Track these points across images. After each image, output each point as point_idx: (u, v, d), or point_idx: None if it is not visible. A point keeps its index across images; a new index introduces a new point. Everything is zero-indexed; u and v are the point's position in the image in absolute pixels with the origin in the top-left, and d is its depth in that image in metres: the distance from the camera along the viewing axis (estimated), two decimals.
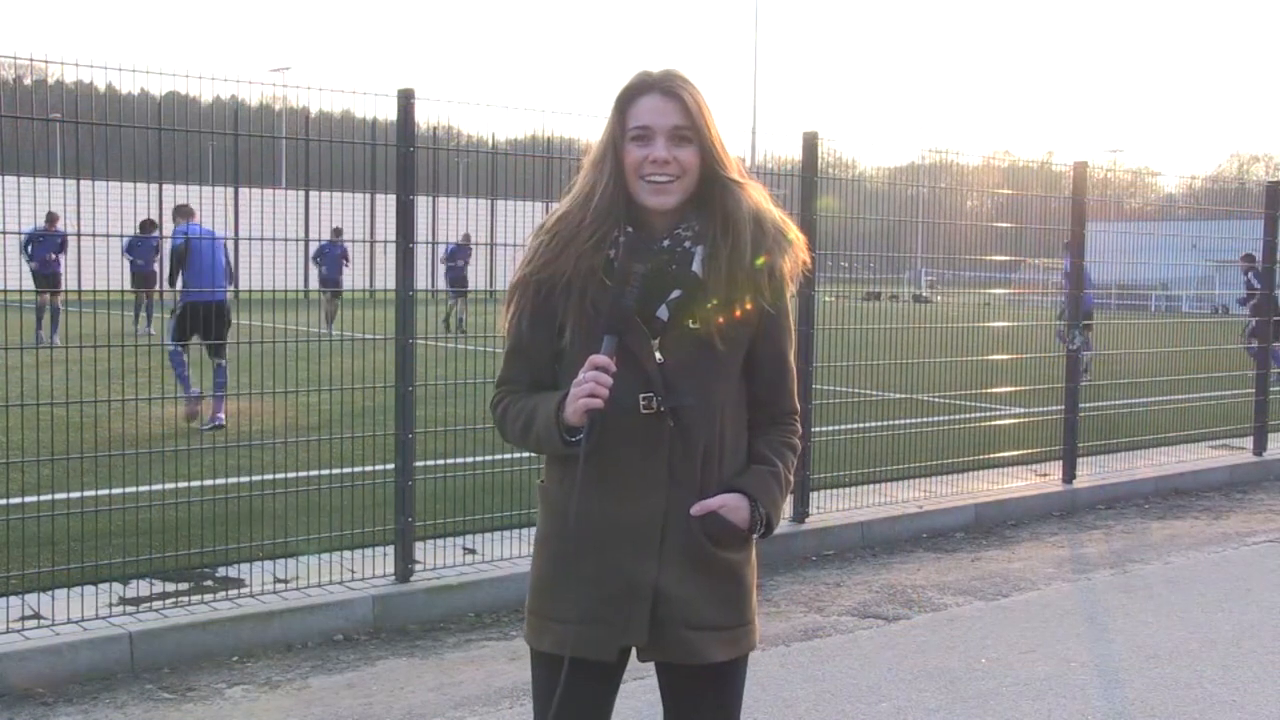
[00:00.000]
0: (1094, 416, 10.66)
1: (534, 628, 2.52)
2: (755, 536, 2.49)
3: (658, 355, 2.39)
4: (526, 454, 7.68)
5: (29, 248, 17.91)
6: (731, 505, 2.43)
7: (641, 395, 2.38)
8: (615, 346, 2.33)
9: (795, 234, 2.51)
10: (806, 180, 7.71)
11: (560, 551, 2.47)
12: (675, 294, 2.41)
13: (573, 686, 2.44)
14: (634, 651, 2.50)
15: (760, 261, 2.43)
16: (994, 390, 11.85)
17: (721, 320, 2.40)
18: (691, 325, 2.40)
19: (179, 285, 10.96)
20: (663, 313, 2.41)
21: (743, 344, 2.46)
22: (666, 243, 2.43)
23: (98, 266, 6.63)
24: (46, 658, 5.08)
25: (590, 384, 2.28)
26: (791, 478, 2.56)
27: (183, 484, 7.20)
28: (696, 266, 2.42)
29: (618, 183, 2.42)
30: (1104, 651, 5.72)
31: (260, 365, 6.93)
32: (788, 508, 7.79)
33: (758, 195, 2.48)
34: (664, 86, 2.41)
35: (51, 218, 17.64)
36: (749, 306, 2.43)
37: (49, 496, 6.75)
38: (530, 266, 2.47)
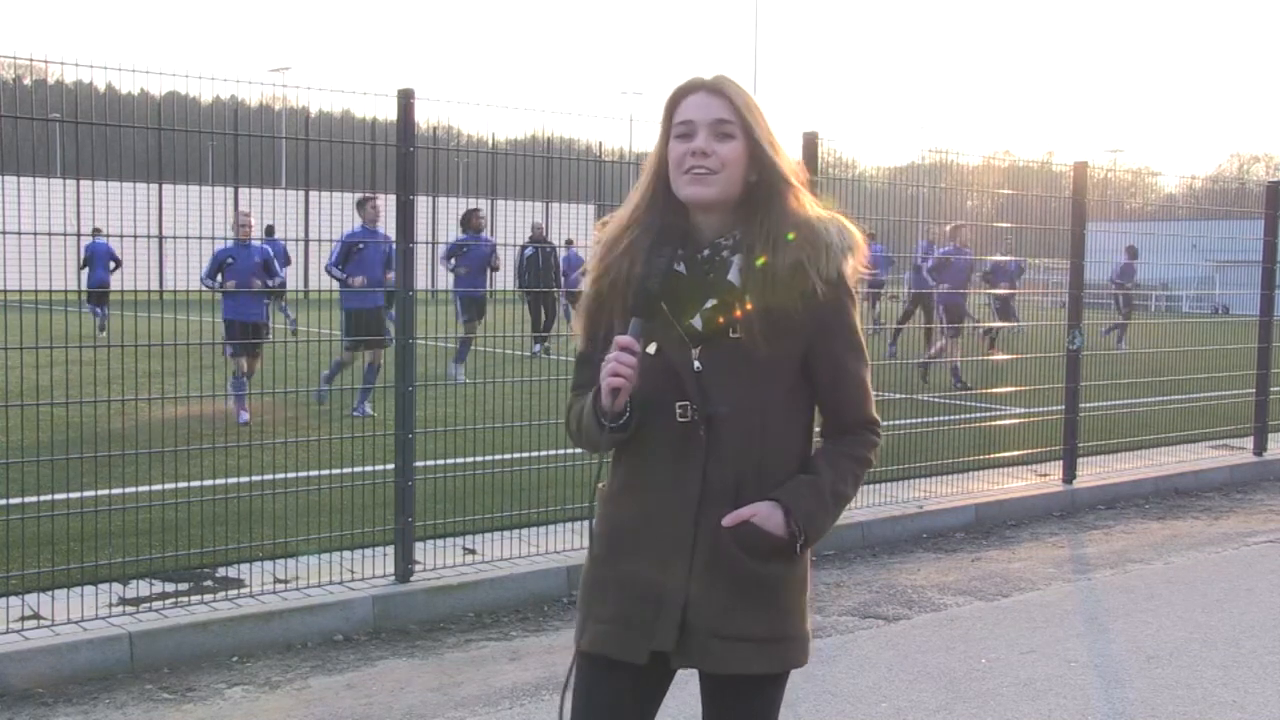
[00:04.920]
0: (1094, 416, 10.66)
1: (578, 625, 2.55)
2: (797, 548, 2.40)
3: (696, 364, 2.38)
4: (526, 454, 7.70)
5: (451, 260, 13.99)
6: (764, 514, 2.37)
7: (678, 403, 2.38)
8: (641, 328, 2.34)
9: (855, 235, 2.45)
10: (806, 180, 7.69)
11: (602, 552, 2.50)
12: (711, 303, 2.39)
13: (606, 686, 2.45)
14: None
15: (760, 261, 2.38)
16: (994, 390, 11.83)
17: (760, 327, 2.36)
18: (732, 335, 2.38)
19: None
20: (698, 321, 2.39)
21: (791, 350, 2.40)
22: (706, 251, 2.43)
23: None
24: (46, 658, 5.08)
25: (613, 363, 2.29)
26: (847, 489, 2.45)
27: (183, 484, 7.20)
28: (733, 275, 2.40)
29: (658, 183, 2.45)
30: (1104, 651, 5.72)
31: (260, 365, 6.92)
32: None
33: (807, 199, 2.46)
34: (710, 85, 2.43)
35: (474, 221, 13.77)
36: (791, 312, 2.36)
37: (49, 496, 6.74)
38: (589, 277, 2.51)
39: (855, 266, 2.43)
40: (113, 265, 19.42)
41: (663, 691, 2.55)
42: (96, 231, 16.91)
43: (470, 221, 13.57)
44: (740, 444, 2.39)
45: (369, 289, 11.17)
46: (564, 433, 2.65)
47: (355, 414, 11.05)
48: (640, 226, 2.45)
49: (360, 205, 11.45)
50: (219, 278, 11.16)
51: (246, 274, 11.18)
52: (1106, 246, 12.92)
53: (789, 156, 2.45)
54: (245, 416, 10.79)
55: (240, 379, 10.98)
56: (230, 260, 11.18)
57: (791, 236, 2.39)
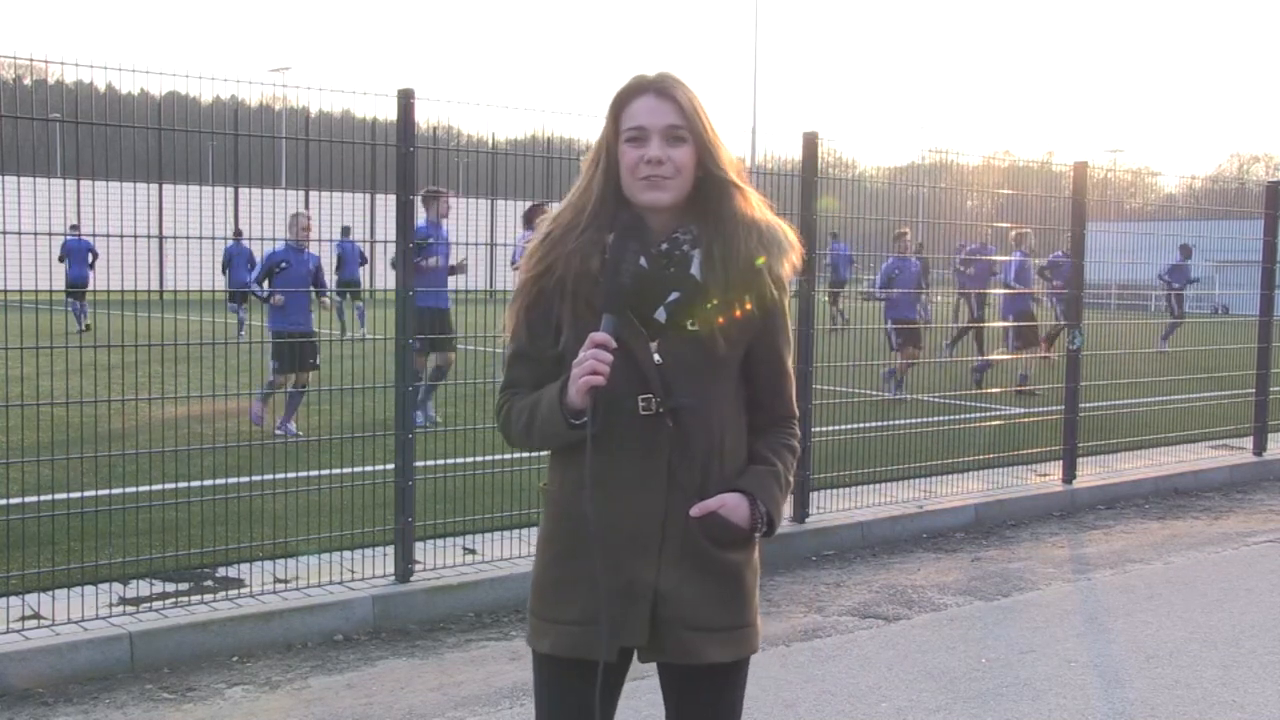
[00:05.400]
0: (1094, 416, 10.66)
1: (534, 629, 2.53)
2: (757, 536, 2.49)
3: (656, 357, 2.39)
4: (527, 454, 7.70)
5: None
6: (731, 505, 2.42)
7: (640, 397, 2.38)
8: (615, 326, 2.33)
9: (792, 238, 2.51)
10: (806, 180, 7.70)
11: (561, 552, 2.48)
12: (673, 296, 2.41)
13: (574, 687, 2.44)
14: (635, 653, 2.49)
15: (759, 261, 2.43)
16: (994, 390, 11.83)
17: (721, 322, 2.41)
18: (691, 327, 2.41)
19: None
20: (661, 315, 2.41)
21: (741, 346, 2.47)
22: (665, 246, 2.44)
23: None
24: (46, 658, 5.08)
25: (591, 361, 2.28)
26: (791, 479, 2.55)
27: (183, 484, 7.20)
28: (695, 269, 2.43)
29: (608, 183, 2.44)
30: (1104, 651, 5.72)
31: (261, 365, 6.92)
32: (788, 508, 7.79)
33: (755, 200, 2.49)
34: (658, 88, 2.42)
35: (537, 217, 13.20)
36: (748, 308, 2.43)
37: (49, 496, 6.75)
38: (527, 270, 2.49)
39: (790, 266, 2.50)
40: (91, 259, 20.29)
41: (622, 686, 2.56)
42: (74, 228, 17.39)
43: (534, 217, 12.45)
44: (702, 436, 2.42)
45: (435, 289, 10.28)
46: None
47: (418, 421, 9.69)
48: (594, 225, 2.44)
49: (428, 200, 10.59)
50: (266, 284, 10.25)
51: (300, 281, 10.13)
52: (1108, 246, 12.90)
53: (730, 153, 2.47)
54: (259, 415, 9.97)
55: (272, 387, 10.17)
56: (284, 265, 10.18)
57: (746, 235, 2.43)
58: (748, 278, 2.42)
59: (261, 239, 10.62)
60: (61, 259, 20.06)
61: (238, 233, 17.78)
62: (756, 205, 2.49)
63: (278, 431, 9.94)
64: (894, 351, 13.23)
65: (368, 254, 20.86)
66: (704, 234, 2.44)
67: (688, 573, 2.41)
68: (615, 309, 2.35)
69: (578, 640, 2.43)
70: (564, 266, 2.43)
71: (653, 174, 2.39)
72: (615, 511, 2.40)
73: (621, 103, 2.44)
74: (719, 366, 2.43)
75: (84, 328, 19.79)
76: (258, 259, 12.99)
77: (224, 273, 20.85)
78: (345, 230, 18.26)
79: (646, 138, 2.40)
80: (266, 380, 10.21)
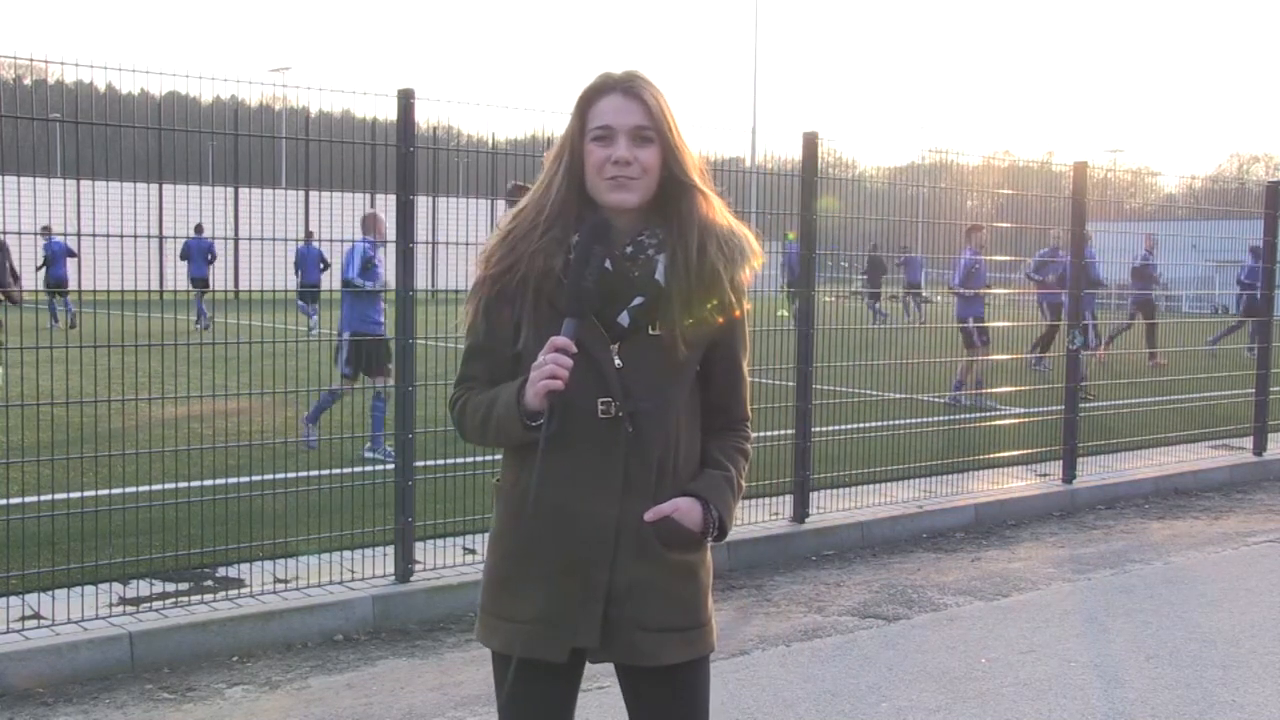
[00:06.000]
0: (1094, 416, 10.66)
1: (485, 626, 2.52)
2: (709, 540, 2.49)
3: (617, 360, 2.39)
4: None
5: None
6: (684, 509, 2.43)
7: (600, 399, 2.38)
8: (576, 329, 2.33)
9: (754, 243, 2.51)
10: (806, 180, 7.70)
11: (514, 551, 2.48)
12: (638, 300, 2.40)
13: (527, 687, 2.43)
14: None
15: (718, 270, 2.42)
16: (994, 390, 11.83)
17: (683, 327, 2.40)
18: (652, 332, 2.40)
19: None
20: (624, 318, 2.40)
21: (700, 350, 2.47)
22: (630, 249, 2.43)
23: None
24: (46, 658, 5.08)
25: (550, 365, 2.28)
26: (744, 483, 2.56)
27: (183, 484, 7.21)
28: (659, 274, 2.42)
29: (572, 182, 2.43)
30: (1104, 651, 5.72)
31: (260, 365, 6.93)
32: (787, 508, 7.80)
33: (717, 204, 2.49)
34: (625, 87, 2.41)
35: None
36: (710, 314, 2.43)
37: (49, 496, 6.75)
38: (486, 266, 2.47)
39: (751, 272, 2.51)
40: (65, 259, 21.16)
41: (579, 686, 2.56)
42: (46, 230, 17.66)
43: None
44: (659, 439, 2.42)
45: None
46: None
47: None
48: (558, 224, 2.43)
49: (514, 199, 10.30)
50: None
51: (381, 280, 9.55)
52: (1118, 247, 12.90)
53: (693, 156, 2.46)
54: (314, 440, 9.37)
55: (335, 395, 9.32)
56: (374, 263, 9.54)
57: (704, 239, 2.43)
58: (709, 283, 2.42)
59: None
60: (43, 265, 20.33)
61: (309, 234, 16.98)
62: (719, 209, 2.48)
63: (309, 440, 9.43)
64: (973, 348, 12.96)
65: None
66: (670, 238, 2.43)
67: (641, 574, 2.41)
68: (578, 311, 2.34)
69: (528, 639, 2.43)
70: (527, 265, 2.41)
71: (619, 174, 2.38)
72: (570, 513, 2.40)
73: (588, 100, 2.43)
74: (678, 370, 2.43)
75: (58, 322, 20.03)
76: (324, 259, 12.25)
77: (296, 272, 20.39)
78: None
79: (613, 137, 2.38)
80: (329, 389, 9.47)
